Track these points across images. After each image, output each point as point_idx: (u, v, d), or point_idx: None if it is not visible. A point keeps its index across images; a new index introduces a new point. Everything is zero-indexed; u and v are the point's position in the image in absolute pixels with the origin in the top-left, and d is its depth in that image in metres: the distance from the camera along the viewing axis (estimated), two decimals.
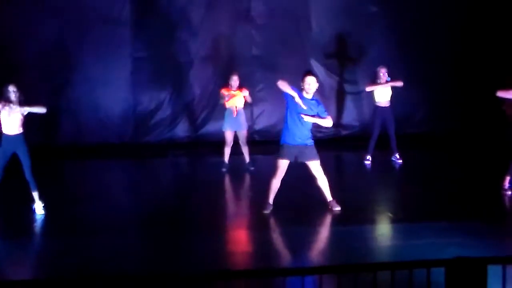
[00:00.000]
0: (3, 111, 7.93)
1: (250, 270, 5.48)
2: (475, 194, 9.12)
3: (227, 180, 10.57)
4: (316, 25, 13.65)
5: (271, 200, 8.24)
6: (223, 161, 10.85)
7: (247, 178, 10.60)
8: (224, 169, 10.81)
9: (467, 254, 4.05)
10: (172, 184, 10.75)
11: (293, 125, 8.00)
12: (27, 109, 8.02)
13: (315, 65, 13.60)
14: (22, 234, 7.63)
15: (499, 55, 13.41)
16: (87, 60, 12.82)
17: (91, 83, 12.85)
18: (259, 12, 13.47)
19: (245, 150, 10.85)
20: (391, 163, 11.33)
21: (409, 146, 12.29)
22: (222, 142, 10.92)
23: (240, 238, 7.72)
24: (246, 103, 10.90)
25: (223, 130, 10.86)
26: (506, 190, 8.92)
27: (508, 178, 8.90)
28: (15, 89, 7.99)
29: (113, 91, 12.99)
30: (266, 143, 12.43)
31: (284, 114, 8.16)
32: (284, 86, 7.85)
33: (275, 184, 8.16)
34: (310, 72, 8.30)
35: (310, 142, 8.12)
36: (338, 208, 8.24)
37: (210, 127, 13.22)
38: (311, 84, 7.93)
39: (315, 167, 8.13)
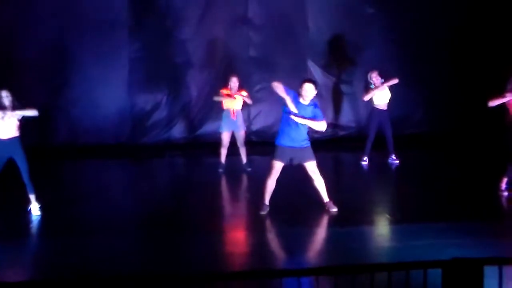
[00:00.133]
0: None
1: (246, 272, 5.46)
2: (473, 195, 9.12)
3: (224, 181, 10.57)
4: (313, 26, 13.65)
5: (267, 201, 8.23)
6: (219, 162, 10.85)
7: (244, 179, 10.59)
8: (220, 170, 10.81)
9: (466, 255, 4.04)
10: (169, 185, 10.72)
11: (288, 127, 7.97)
12: (19, 113, 7.97)
13: (312, 66, 13.62)
14: (18, 235, 7.60)
15: (497, 56, 13.41)
16: (85, 60, 12.81)
17: (89, 83, 12.84)
18: (256, 14, 13.46)
19: (242, 151, 10.84)
20: (388, 164, 11.34)
21: (407, 147, 12.30)
22: (218, 143, 10.91)
23: (236, 239, 7.69)
24: (244, 104, 10.89)
25: (220, 131, 10.86)
26: (503, 191, 8.98)
27: (505, 180, 8.95)
28: (8, 94, 7.95)
29: (111, 92, 12.98)
30: (263, 144, 12.39)
31: (281, 115, 8.14)
32: (278, 88, 7.77)
33: (270, 184, 8.15)
34: (310, 80, 8.24)
35: (306, 143, 8.09)
36: (334, 209, 8.24)
37: (207, 128, 13.22)
38: (308, 91, 7.89)
39: (311, 168, 8.13)
